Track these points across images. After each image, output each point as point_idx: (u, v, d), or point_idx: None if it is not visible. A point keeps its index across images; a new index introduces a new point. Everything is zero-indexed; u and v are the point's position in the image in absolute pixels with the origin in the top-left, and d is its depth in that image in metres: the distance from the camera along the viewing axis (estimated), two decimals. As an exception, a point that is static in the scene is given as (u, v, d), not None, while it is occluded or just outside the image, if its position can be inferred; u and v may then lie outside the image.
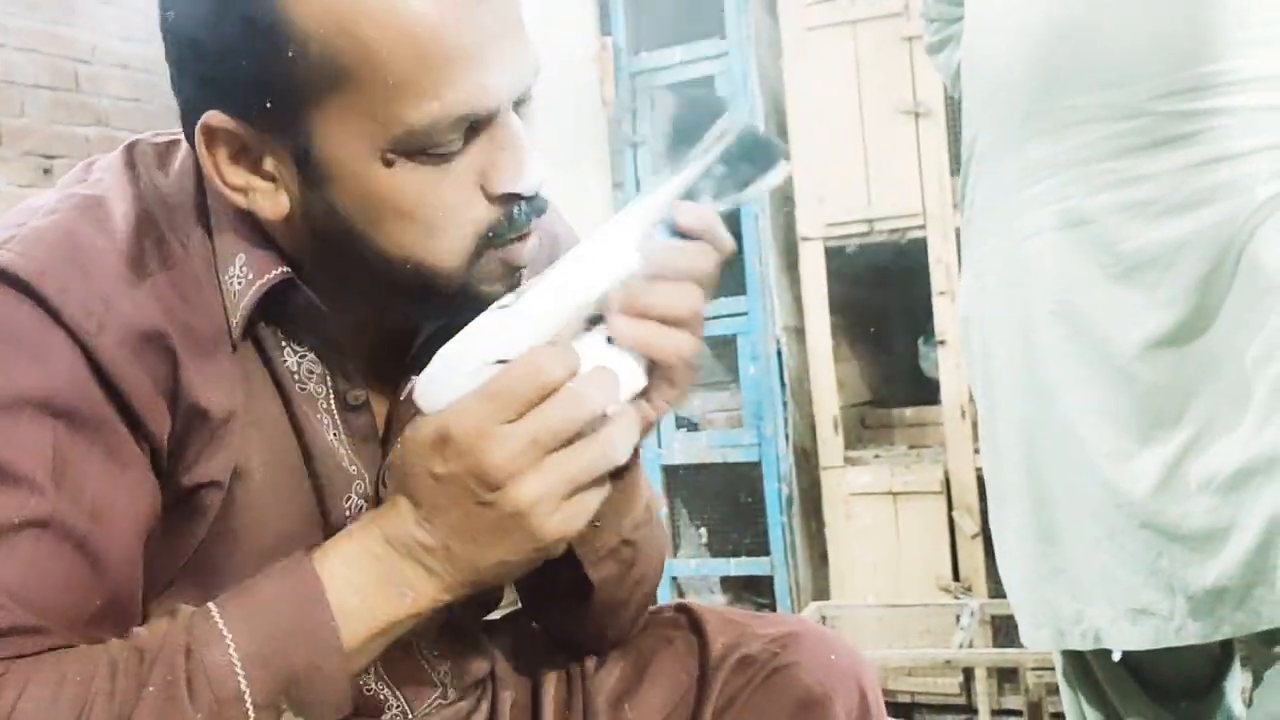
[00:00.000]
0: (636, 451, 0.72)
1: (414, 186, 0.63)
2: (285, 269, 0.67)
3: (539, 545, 0.61)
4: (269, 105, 0.62)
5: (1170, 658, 1.31)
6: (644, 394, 0.65)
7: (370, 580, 0.62)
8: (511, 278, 0.69)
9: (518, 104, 0.66)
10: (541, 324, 0.61)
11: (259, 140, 0.64)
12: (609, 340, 0.64)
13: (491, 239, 0.66)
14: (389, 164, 0.62)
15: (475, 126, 0.63)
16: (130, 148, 0.71)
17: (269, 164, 0.65)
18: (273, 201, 0.65)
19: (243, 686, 0.59)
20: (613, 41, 2.87)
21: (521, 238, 0.68)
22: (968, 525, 2.48)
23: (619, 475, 0.69)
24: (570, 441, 0.60)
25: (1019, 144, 1.29)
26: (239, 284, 0.66)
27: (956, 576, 2.51)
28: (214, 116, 0.63)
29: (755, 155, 0.70)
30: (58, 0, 3.08)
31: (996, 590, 2.25)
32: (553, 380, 0.60)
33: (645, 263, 0.64)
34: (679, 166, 0.69)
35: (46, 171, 2.98)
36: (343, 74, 0.60)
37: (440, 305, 0.68)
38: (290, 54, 0.60)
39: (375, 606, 0.62)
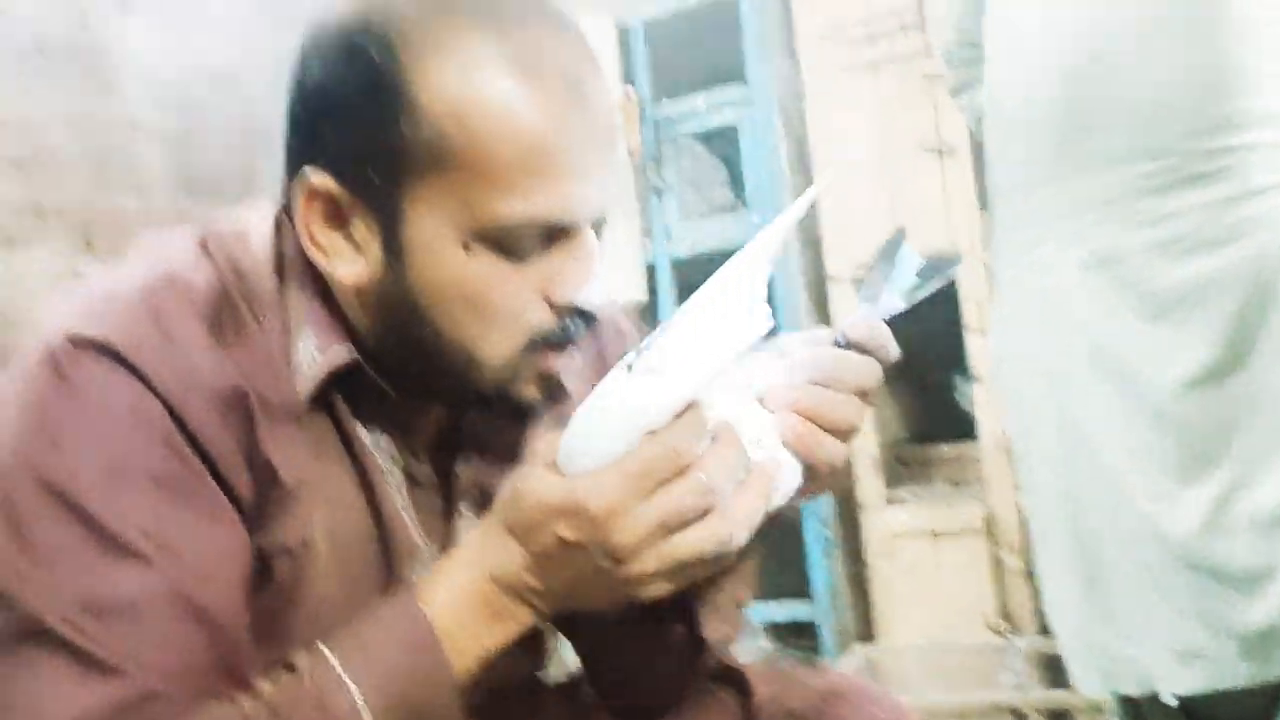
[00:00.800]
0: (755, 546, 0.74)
1: (484, 277, 0.66)
2: (352, 352, 0.70)
3: (637, 601, 0.64)
4: (371, 172, 0.66)
5: (1224, 699, 1.29)
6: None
7: (477, 615, 0.64)
8: (546, 386, 0.71)
9: (595, 224, 0.70)
10: (680, 391, 0.62)
11: (353, 205, 0.67)
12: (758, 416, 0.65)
13: (539, 344, 0.69)
14: (468, 250, 0.65)
15: (553, 234, 0.67)
16: (204, 227, 0.74)
17: (357, 230, 0.68)
18: (352, 267, 0.68)
19: None
20: (635, 91, 2.90)
21: (565, 348, 0.70)
22: (1012, 562, 2.46)
23: (746, 558, 0.73)
24: (695, 521, 0.62)
25: (1044, 185, 1.30)
26: (308, 361, 0.69)
27: (1003, 615, 2.48)
28: (319, 176, 0.67)
29: (918, 265, 0.73)
30: (95, 75, 3.16)
31: (1045, 627, 2.22)
32: (690, 463, 0.61)
33: (816, 371, 0.66)
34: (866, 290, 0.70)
35: (88, 244, 3.05)
36: (447, 156, 0.64)
37: (474, 395, 0.70)
38: (404, 128, 0.64)
39: (481, 638, 0.65)
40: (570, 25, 0.68)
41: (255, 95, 3.58)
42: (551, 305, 0.68)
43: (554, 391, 0.72)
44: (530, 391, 0.70)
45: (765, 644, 3.04)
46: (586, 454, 0.62)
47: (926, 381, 2.99)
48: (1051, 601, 1.38)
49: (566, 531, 0.61)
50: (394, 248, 0.67)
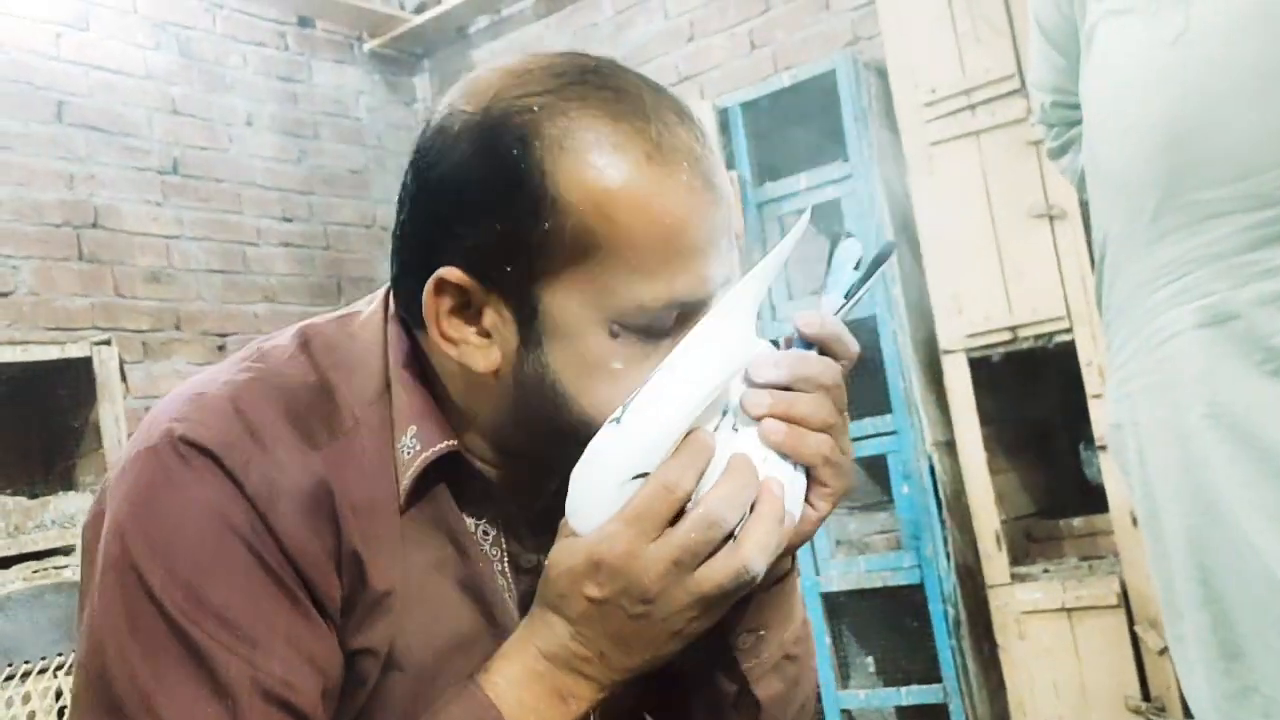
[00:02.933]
0: (794, 561, 0.76)
1: (628, 358, 0.67)
2: (452, 441, 0.71)
3: (684, 643, 0.67)
4: (510, 268, 0.67)
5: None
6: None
7: (538, 695, 0.66)
8: None
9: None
10: (666, 432, 0.64)
11: (485, 298, 0.68)
12: (737, 433, 0.67)
13: None
14: (615, 335, 0.67)
15: (686, 312, 0.68)
16: (303, 330, 0.76)
17: (488, 319, 0.69)
18: (484, 356, 0.69)
19: None
20: (738, 175, 2.94)
21: None
22: (1153, 640, 2.33)
23: (778, 582, 0.74)
24: (712, 554, 0.64)
25: (1150, 243, 1.26)
26: (408, 454, 0.70)
27: (1146, 696, 2.35)
28: (450, 271, 0.68)
29: (864, 262, 0.76)
30: (226, 190, 3.35)
31: (1191, 710, 2.10)
32: (684, 494, 0.64)
33: (778, 373, 0.68)
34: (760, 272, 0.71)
35: (220, 348, 3.20)
36: (592, 248, 0.65)
37: None
38: (548, 224, 0.65)
39: (547, 718, 0.66)
40: (688, 110, 0.70)
41: (381, 198, 3.75)
42: None
43: None
44: None
45: (897, 730, 2.94)
46: (589, 510, 0.65)
47: (1052, 453, 2.90)
48: (1188, 675, 1.30)
49: (593, 590, 0.64)
50: (533, 336, 0.68)
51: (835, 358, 0.70)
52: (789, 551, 0.71)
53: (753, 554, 0.64)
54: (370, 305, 0.78)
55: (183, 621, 0.63)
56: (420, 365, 0.73)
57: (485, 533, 0.74)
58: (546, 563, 0.67)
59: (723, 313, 0.68)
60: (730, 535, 0.64)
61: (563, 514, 0.76)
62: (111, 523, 0.67)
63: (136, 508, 0.66)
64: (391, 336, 0.74)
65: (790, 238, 0.70)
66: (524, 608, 0.74)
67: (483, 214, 0.67)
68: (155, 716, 0.62)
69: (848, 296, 0.74)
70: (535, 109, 0.67)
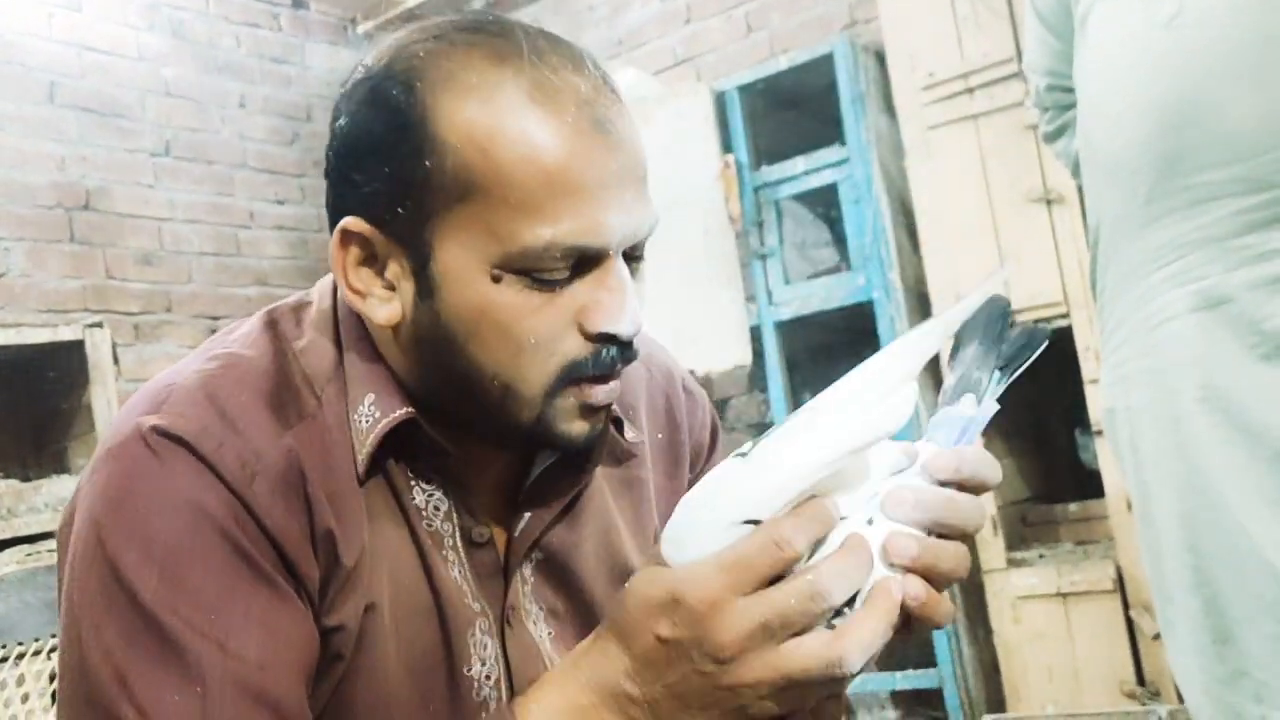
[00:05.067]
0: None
1: (516, 306, 0.66)
2: (409, 409, 0.70)
3: (742, 718, 0.60)
4: (401, 211, 0.67)
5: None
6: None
7: None
8: (588, 418, 0.70)
9: (631, 256, 0.70)
10: (790, 482, 0.59)
11: (386, 247, 0.69)
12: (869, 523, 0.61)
13: (575, 375, 0.68)
14: (497, 280, 0.66)
15: (583, 262, 0.67)
16: (268, 312, 0.77)
17: (391, 271, 0.69)
18: (387, 309, 0.69)
19: None
20: (735, 159, 2.92)
21: (603, 379, 0.69)
22: (1147, 624, 2.33)
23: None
24: (803, 630, 0.58)
25: (1145, 227, 1.25)
26: (366, 423, 0.70)
27: (1141, 681, 2.35)
28: (352, 221, 0.69)
29: (1016, 337, 0.70)
30: (219, 173, 3.33)
31: (1185, 694, 2.10)
32: (794, 554, 0.58)
33: (918, 514, 0.61)
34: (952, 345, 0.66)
35: (212, 332, 3.19)
36: (472, 188, 0.65)
37: (517, 431, 0.70)
38: (429, 163, 0.65)
39: None
40: (587, 59, 0.69)
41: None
42: (585, 335, 0.68)
43: (599, 424, 0.71)
44: (575, 426, 0.70)
45: (892, 714, 2.94)
46: (689, 544, 0.59)
47: (1048, 438, 2.89)
48: (1179, 659, 1.30)
49: (665, 629, 0.59)
50: (425, 284, 0.68)
51: (975, 492, 0.63)
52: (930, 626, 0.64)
53: (852, 649, 0.57)
54: (323, 288, 0.78)
55: (156, 608, 0.63)
56: (373, 338, 0.73)
57: (436, 507, 0.73)
58: (625, 587, 0.62)
59: (880, 364, 0.62)
60: (831, 614, 0.58)
61: (521, 489, 0.76)
62: (85, 518, 0.66)
63: (110, 501, 0.65)
64: (343, 312, 0.74)
65: (972, 300, 0.65)
66: (478, 581, 0.74)
67: (373, 159, 0.67)
68: (131, 702, 0.62)
69: (1000, 384, 0.67)
70: (420, 54, 0.67)
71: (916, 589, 0.60)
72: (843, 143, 2.82)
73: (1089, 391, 2.44)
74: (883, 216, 2.72)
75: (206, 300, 3.24)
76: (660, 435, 0.87)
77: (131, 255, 3.09)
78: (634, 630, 0.60)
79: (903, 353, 0.63)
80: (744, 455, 0.60)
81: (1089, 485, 2.60)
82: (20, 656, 1.89)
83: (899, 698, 2.91)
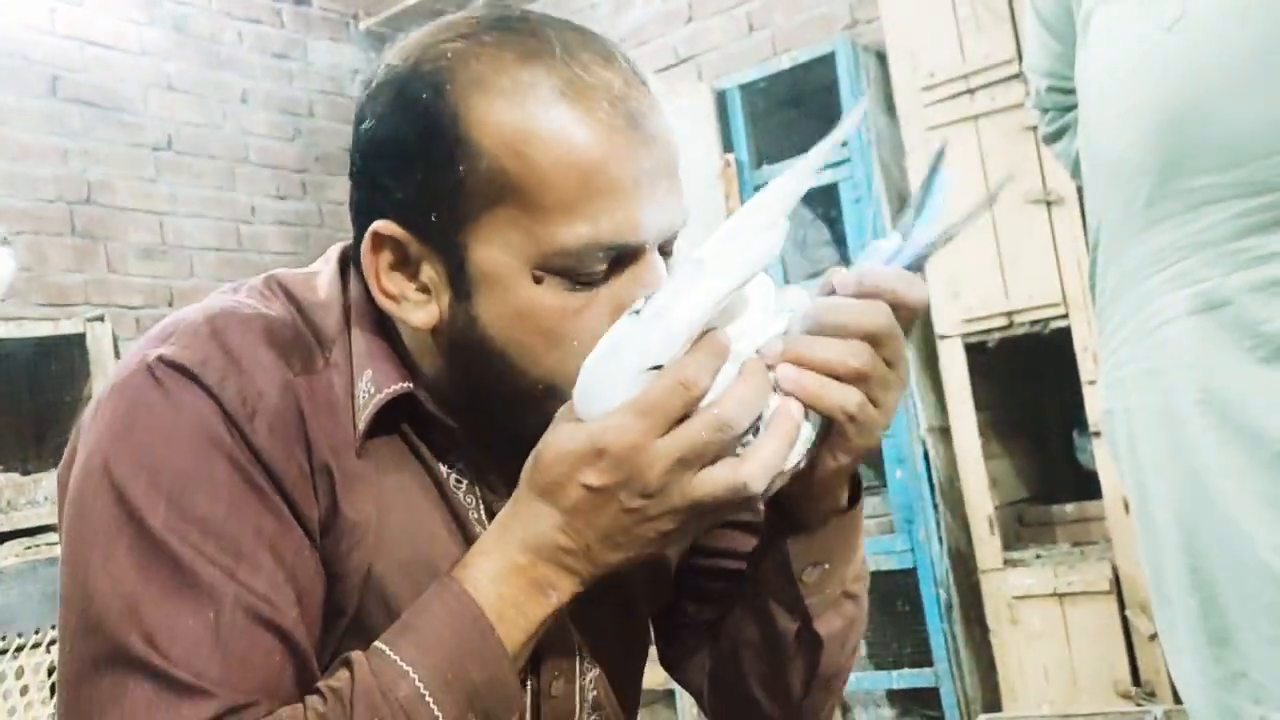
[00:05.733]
0: (860, 493, 0.74)
1: (556, 307, 0.66)
2: (406, 384, 0.71)
3: (667, 546, 0.66)
4: (435, 216, 0.67)
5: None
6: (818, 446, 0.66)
7: (518, 589, 0.65)
8: None
9: (664, 250, 0.70)
10: (683, 325, 0.62)
11: (420, 251, 0.68)
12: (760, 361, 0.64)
13: None
14: (538, 281, 0.66)
15: (620, 259, 0.67)
16: (272, 275, 0.77)
17: (425, 275, 0.69)
18: (423, 312, 0.69)
19: (436, 713, 0.63)
20: (735, 158, 2.93)
21: None
22: (1144, 625, 2.34)
23: (844, 514, 0.73)
24: (718, 457, 0.62)
25: (1144, 229, 1.26)
26: (365, 397, 0.70)
27: (1136, 681, 2.36)
28: (384, 224, 0.68)
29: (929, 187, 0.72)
30: (220, 167, 3.34)
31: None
32: (700, 392, 0.61)
33: (810, 321, 0.64)
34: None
35: (213, 326, 3.20)
36: (508, 190, 0.65)
37: None
38: (463, 167, 0.65)
39: (527, 611, 0.65)
40: (617, 54, 0.68)
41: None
42: None
43: None
44: None
45: (888, 712, 2.95)
46: (600, 398, 0.62)
47: (1046, 439, 2.90)
48: (1177, 661, 1.30)
49: (593, 478, 0.62)
50: (463, 287, 0.67)
51: (893, 308, 0.65)
52: (829, 487, 0.69)
53: (755, 472, 0.62)
54: (328, 260, 0.78)
55: (166, 535, 0.63)
56: (378, 312, 0.73)
57: (458, 481, 0.74)
58: (538, 448, 0.64)
59: (752, 209, 0.65)
60: (738, 440, 0.62)
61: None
62: (90, 449, 0.66)
63: (116, 430, 0.66)
64: (352, 286, 0.74)
65: (835, 133, 0.67)
66: None
67: (405, 163, 0.67)
68: (139, 626, 0.62)
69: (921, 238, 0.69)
70: (449, 55, 0.66)
71: (790, 372, 0.63)
72: (844, 143, 2.82)
73: (1087, 393, 2.45)
74: (883, 216, 2.73)
75: (208, 294, 3.24)
76: None
77: (133, 249, 3.09)
78: (560, 485, 0.63)
79: (772, 194, 0.65)
80: (637, 312, 0.62)
81: (1086, 486, 2.60)
82: (20, 649, 1.90)
83: (895, 696, 2.92)
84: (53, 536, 2.20)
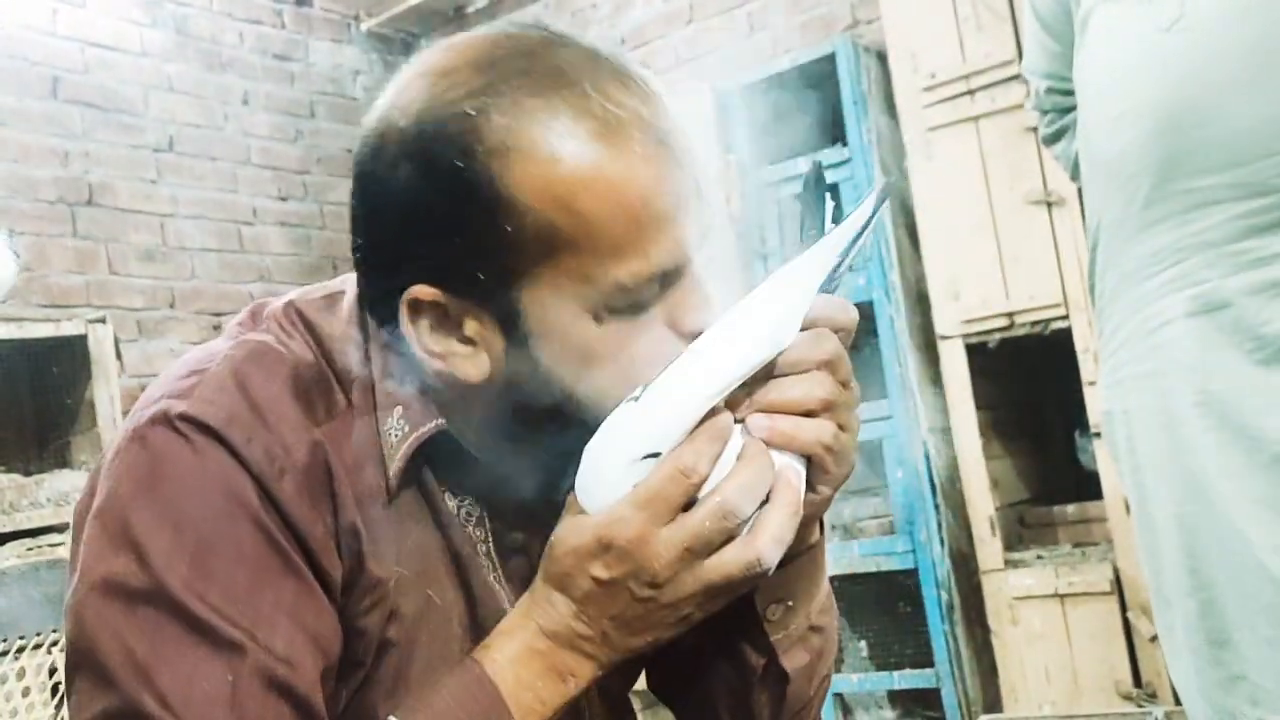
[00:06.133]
0: (822, 530, 0.75)
1: (619, 338, 0.66)
2: (440, 421, 0.70)
3: (686, 627, 0.67)
4: (480, 275, 0.65)
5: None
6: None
7: (537, 673, 0.66)
8: None
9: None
10: (683, 412, 0.62)
11: (461, 308, 0.66)
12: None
13: None
14: (600, 321, 0.65)
15: (668, 277, 0.67)
16: (291, 303, 0.75)
17: (470, 328, 0.67)
18: (474, 364, 0.67)
19: None
20: (735, 159, 2.93)
21: None
22: (1145, 626, 2.34)
23: (807, 552, 0.74)
24: (725, 543, 0.63)
25: (1143, 230, 1.26)
26: (395, 436, 0.70)
27: (1138, 682, 2.35)
28: (421, 290, 0.66)
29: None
30: (222, 169, 3.34)
31: (1182, 696, 2.11)
32: (700, 479, 0.62)
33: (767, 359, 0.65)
34: (807, 246, 0.70)
35: (216, 328, 3.19)
36: (559, 242, 0.63)
37: None
38: (508, 227, 0.63)
39: (544, 697, 0.66)
40: (631, 72, 0.67)
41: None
42: (681, 335, 0.67)
43: None
44: None
45: (889, 714, 2.95)
46: (599, 486, 0.63)
47: (1047, 440, 2.90)
48: (1176, 662, 1.30)
49: (601, 571, 0.63)
50: (519, 337, 0.66)
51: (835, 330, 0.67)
52: (803, 526, 0.69)
53: (766, 547, 0.63)
54: (347, 287, 0.76)
55: (185, 594, 0.62)
56: (401, 348, 0.71)
57: (469, 514, 0.74)
58: (551, 539, 0.65)
59: (757, 298, 0.66)
60: (743, 524, 0.63)
61: (549, 495, 0.76)
62: (109, 499, 0.65)
63: (139, 483, 0.65)
64: (372, 319, 0.73)
65: (851, 221, 0.68)
66: (513, 587, 0.74)
67: (440, 231, 0.65)
68: (152, 689, 0.61)
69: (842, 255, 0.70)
70: (472, 113, 0.64)
71: (761, 421, 0.64)
72: (844, 143, 2.82)
73: (1088, 393, 2.45)
74: (884, 216, 2.72)
75: (210, 296, 3.24)
76: None
77: (134, 251, 3.09)
78: (571, 577, 0.64)
79: (786, 280, 0.66)
80: (636, 399, 0.63)
81: (1087, 487, 2.60)
82: (21, 650, 1.90)
83: (896, 697, 2.92)
84: (55, 538, 2.20)
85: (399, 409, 0.70)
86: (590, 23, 3.60)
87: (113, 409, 2.43)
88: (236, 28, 3.44)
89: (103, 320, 2.47)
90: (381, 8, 3.78)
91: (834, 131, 2.86)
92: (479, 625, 0.72)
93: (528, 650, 0.66)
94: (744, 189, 2.92)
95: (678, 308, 0.67)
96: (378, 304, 0.70)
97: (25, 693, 1.88)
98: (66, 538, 2.22)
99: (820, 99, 2.87)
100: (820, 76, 2.85)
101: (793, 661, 0.77)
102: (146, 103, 3.18)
